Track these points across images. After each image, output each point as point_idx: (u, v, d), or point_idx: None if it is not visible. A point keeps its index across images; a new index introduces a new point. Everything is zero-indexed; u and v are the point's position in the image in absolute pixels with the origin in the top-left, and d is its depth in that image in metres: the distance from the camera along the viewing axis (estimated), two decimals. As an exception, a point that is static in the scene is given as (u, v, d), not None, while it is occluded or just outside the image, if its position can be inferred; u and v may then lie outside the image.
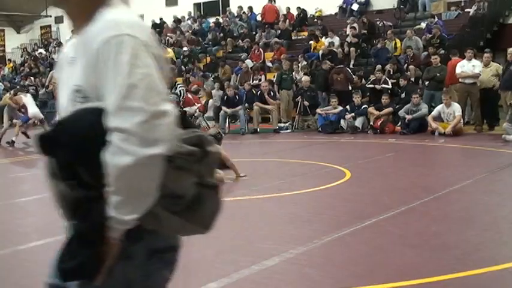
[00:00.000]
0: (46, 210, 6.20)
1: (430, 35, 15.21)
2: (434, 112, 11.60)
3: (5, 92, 21.20)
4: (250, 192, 6.48)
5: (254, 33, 20.43)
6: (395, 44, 15.65)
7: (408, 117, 11.87)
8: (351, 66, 15.73)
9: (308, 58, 16.65)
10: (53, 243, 4.66)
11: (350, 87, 13.68)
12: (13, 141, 12.20)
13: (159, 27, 24.96)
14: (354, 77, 14.00)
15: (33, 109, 12.56)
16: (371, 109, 12.55)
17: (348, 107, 12.88)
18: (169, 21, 24.81)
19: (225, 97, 13.96)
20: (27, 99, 12.77)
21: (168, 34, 23.29)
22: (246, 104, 14.18)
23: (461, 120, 11.39)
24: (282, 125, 13.81)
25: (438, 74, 12.58)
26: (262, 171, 7.87)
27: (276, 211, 5.62)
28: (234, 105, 13.69)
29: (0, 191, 7.58)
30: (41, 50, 29.10)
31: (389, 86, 13.33)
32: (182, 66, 18.96)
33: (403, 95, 12.90)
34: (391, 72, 13.96)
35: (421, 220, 5.08)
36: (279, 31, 19.75)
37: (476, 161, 8.83)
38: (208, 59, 18.76)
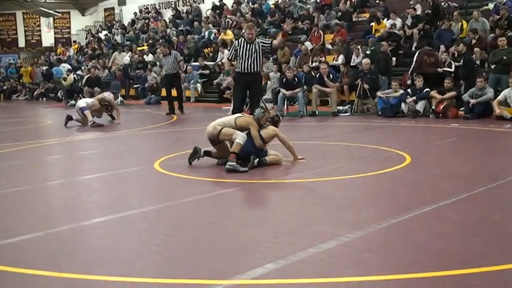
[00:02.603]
0: (109, 188, 6.41)
1: (498, 17, 14.64)
2: (500, 96, 11.20)
3: (68, 72, 21.86)
4: (307, 175, 6.46)
5: (314, 14, 20.20)
6: (462, 25, 15.15)
7: (472, 101, 11.50)
8: (413, 48, 15.40)
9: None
10: (115, 219, 4.82)
11: (438, 71, 13.19)
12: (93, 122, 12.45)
13: (219, 9, 25.12)
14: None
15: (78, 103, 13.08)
16: (433, 93, 12.21)
17: (409, 90, 12.59)
18: (229, 3, 24.89)
19: (284, 79, 13.92)
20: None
21: (228, 16, 23.40)
22: (305, 87, 14.10)
23: (529, 105, 10.97)
24: (340, 108, 13.66)
25: (505, 57, 12.14)
26: (320, 154, 7.82)
27: (333, 194, 5.59)
28: (293, 88, 13.63)
29: (65, 169, 7.84)
30: (105, 32, 29.79)
31: (452, 70, 12.94)
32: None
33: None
34: (456, 55, 13.55)
35: (484, 208, 4.93)
36: (339, 13, 19.46)
37: (544, 147, 8.50)
38: (268, 41, 18.67)
